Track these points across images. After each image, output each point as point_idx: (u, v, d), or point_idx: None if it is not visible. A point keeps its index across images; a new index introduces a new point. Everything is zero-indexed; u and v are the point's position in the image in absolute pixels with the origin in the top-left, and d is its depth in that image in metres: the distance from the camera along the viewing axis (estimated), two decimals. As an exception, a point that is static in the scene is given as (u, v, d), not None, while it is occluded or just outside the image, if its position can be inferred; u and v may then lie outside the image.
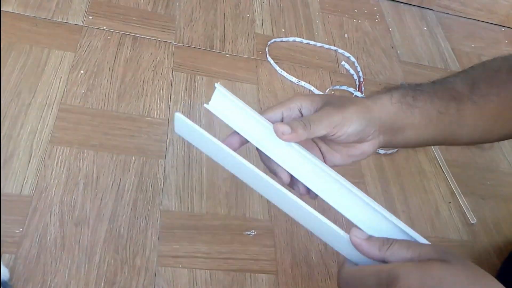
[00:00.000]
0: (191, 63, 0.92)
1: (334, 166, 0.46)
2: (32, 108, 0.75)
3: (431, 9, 1.31)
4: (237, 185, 0.76)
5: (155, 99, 0.83)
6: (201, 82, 0.89)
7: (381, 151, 0.91)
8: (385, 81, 1.06)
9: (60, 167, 0.70)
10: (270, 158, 0.45)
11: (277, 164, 0.45)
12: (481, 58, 1.22)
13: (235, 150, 0.43)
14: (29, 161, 0.69)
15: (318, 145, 0.48)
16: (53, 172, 0.69)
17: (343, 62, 1.05)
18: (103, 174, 0.71)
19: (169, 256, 0.66)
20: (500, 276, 0.76)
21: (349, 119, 0.43)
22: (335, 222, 0.41)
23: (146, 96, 0.83)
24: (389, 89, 0.48)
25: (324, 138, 0.46)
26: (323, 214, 0.41)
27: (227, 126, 0.45)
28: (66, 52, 0.84)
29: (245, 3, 1.09)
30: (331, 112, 0.43)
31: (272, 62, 0.98)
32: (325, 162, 0.47)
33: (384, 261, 0.39)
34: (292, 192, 0.42)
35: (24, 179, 0.67)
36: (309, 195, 0.46)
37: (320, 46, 1.07)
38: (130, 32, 0.92)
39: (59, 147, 0.72)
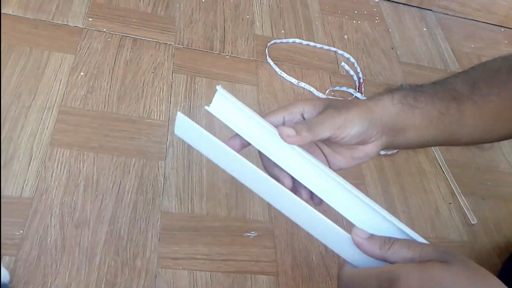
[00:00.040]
0: (191, 64, 0.92)
1: (338, 170, 0.47)
2: (32, 110, 0.75)
3: (431, 10, 1.32)
4: (237, 187, 0.76)
5: (155, 101, 0.83)
6: (201, 83, 0.89)
7: (381, 152, 0.91)
8: (385, 82, 1.06)
9: (61, 169, 0.70)
10: (272, 163, 0.45)
11: (279, 169, 0.45)
12: (480, 59, 1.22)
13: None
14: (30, 163, 0.69)
15: (322, 149, 0.48)
16: (54, 174, 0.69)
17: (343, 63, 1.05)
18: (103, 176, 0.71)
19: (170, 257, 0.66)
20: (501, 276, 0.75)
21: (352, 121, 0.43)
22: (335, 223, 0.41)
23: (146, 98, 0.83)
24: (390, 90, 0.48)
25: (327, 142, 0.46)
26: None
27: (227, 128, 0.45)
28: (66, 54, 0.84)
29: (244, 5, 1.09)
30: (334, 115, 0.43)
31: (272, 63, 0.98)
32: (329, 166, 0.47)
33: (384, 260, 0.39)
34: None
35: (25, 181, 0.67)
36: (312, 201, 0.46)
37: (320, 47, 1.07)
38: (130, 34, 0.92)
39: (59, 149, 0.72)
